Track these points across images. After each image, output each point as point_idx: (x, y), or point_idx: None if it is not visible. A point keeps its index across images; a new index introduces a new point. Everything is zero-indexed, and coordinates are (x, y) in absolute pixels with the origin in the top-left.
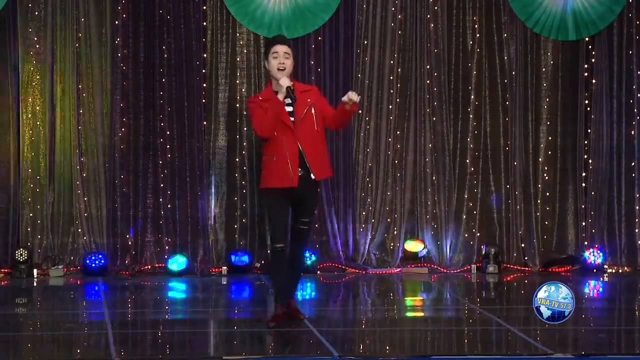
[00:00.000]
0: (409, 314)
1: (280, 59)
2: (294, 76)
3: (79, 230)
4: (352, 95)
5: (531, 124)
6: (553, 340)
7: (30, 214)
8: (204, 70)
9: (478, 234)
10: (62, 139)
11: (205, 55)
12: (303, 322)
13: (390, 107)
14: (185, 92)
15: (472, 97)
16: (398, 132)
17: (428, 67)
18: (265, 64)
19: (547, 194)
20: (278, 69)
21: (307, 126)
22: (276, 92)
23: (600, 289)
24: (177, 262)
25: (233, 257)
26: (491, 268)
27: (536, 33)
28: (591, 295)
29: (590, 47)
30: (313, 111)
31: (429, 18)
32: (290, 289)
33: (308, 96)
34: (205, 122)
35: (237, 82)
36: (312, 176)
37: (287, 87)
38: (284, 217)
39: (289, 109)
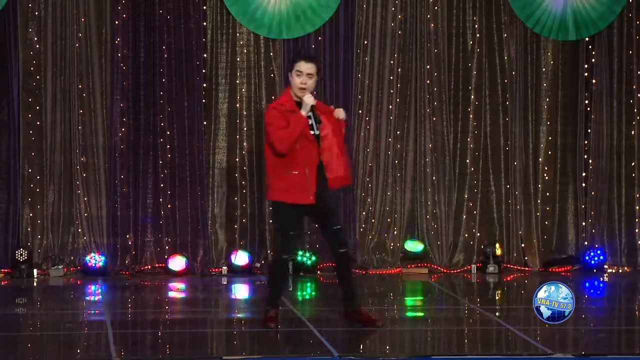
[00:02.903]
0: (409, 314)
1: (303, 78)
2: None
3: (79, 230)
4: (339, 113)
5: (531, 124)
6: (553, 340)
7: (30, 214)
8: (204, 70)
9: (478, 234)
10: (62, 139)
11: (205, 55)
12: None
13: (390, 107)
14: (185, 92)
15: (472, 97)
16: (398, 132)
17: (428, 67)
18: (289, 74)
19: (547, 194)
20: (299, 88)
21: (327, 140)
22: (297, 102)
23: (600, 289)
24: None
25: None
26: (491, 268)
27: (536, 33)
28: (591, 295)
29: (590, 47)
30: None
31: (429, 18)
32: (353, 297)
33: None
34: (205, 122)
35: (237, 82)
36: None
37: (312, 106)
38: (297, 230)
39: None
